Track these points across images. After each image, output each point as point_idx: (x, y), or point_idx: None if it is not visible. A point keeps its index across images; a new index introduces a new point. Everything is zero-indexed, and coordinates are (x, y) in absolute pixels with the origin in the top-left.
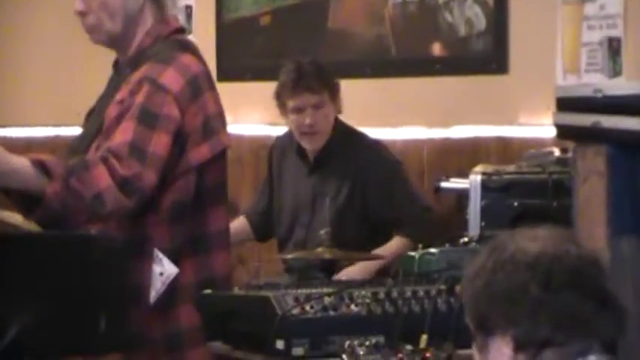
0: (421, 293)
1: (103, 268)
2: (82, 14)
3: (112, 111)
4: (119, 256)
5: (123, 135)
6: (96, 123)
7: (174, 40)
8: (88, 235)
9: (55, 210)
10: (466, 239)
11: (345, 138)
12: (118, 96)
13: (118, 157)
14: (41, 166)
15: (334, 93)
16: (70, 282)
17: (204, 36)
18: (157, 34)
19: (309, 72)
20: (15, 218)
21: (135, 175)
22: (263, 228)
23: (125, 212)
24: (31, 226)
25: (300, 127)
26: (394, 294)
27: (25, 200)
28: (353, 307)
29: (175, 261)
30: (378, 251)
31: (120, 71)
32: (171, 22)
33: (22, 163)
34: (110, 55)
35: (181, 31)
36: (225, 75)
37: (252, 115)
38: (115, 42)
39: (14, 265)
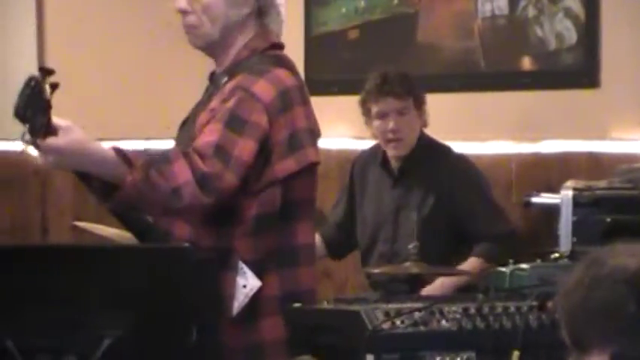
0: (512, 309)
1: (195, 280)
2: (184, 12)
3: (203, 119)
4: (209, 267)
5: (209, 135)
6: (189, 133)
7: (271, 55)
8: (179, 246)
9: (131, 199)
10: (557, 255)
11: (430, 151)
12: (211, 105)
13: (201, 155)
14: (123, 155)
15: (419, 102)
16: (162, 294)
17: (292, 49)
18: (254, 47)
19: (393, 78)
20: (106, 231)
21: (216, 173)
22: (336, 245)
23: (201, 209)
24: (122, 239)
25: (384, 132)
26: (485, 310)
27: (103, 187)
28: (444, 322)
29: (259, 273)
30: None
31: (215, 82)
32: (271, 37)
33: (103, 151)
34: (199, 70)
35: (279, 46)
36: (313, 88)
37: (338, 128)
38: (210, 47)
39: (106, 277)
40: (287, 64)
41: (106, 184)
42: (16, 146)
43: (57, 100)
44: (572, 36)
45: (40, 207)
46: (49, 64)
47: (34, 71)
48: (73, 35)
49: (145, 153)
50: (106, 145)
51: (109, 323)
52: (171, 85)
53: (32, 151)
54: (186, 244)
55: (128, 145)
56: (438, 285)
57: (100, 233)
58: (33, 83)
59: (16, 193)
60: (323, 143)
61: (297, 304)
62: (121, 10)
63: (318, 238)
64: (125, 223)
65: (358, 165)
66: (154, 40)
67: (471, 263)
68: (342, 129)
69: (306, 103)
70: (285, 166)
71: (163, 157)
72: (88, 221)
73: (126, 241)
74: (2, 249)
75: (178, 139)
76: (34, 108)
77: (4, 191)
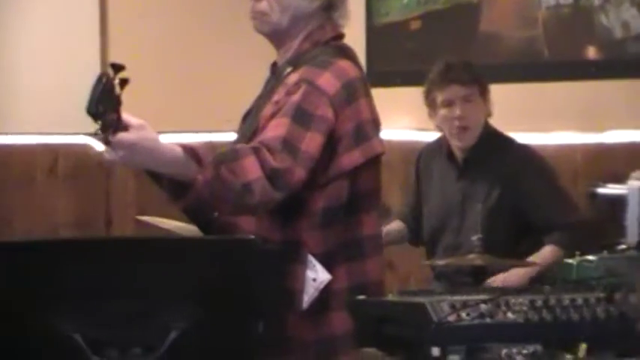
0: (579, 301)
1: (262, 272)
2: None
3: (267, 112)
4: (277, 260)
5: (276, 130)
6: (252, 124)
7: (334, 45)
8: (245, 238)
9: (203, 198)
10: (624, 246)
11: (495, 141)
12: (274, 97)
13: (270, 150)
14: (192, 154)
15: (483, 89)
16: (229, 286)
17: (353, 41)
18: (317, 39)
19: (457, 65)
20: (169, 224)
21: (286, 168)
22: (415, 231)
23: (272, 205)
24: (186, 232)
25: (450, 120)
26: (552, 301)
27: (175, 187)
28: (510, 314)
29: (328, 266)
30: (531, 259)
31: (277, 73)
32: (334, 28)
33: (173, 149)
34: (260, 62)
35: (340, 36)
36: (374, 80)
37: (400, 120)
38: (276, 36)
39: (173, 270)
40: (350, 55)
41: (176, 183)
42: (81, 140)
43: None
44: (638, 24)
45: (104, 200)
46: (112, 58)
47: (97, 67)
48: (135, 29)
49: (214, 150)
50: (169, 139)
51: (176, 316)
52: (232, 78)
53: (101, 147)
54: (252, 237)
55: (190, 139)
56: (512, 276)
57: (163, 226)
58: (104, 80)
59: (80, 186)
60: (385, 135)
61: (361, 296)
62: (182, 3)
63: (399, 222)
64: (191, 217)
65: (423, 157)
66: (215, 32)
67: (546, 252)
68: (404, 120)
69: (368, 95)
70: (351, 158)
71: (232, 154)
72: (152, 214)
73: (190, 233)
74: (69, 242)
75: (241, 132)
76: (105, 104)
77: (69, 185)
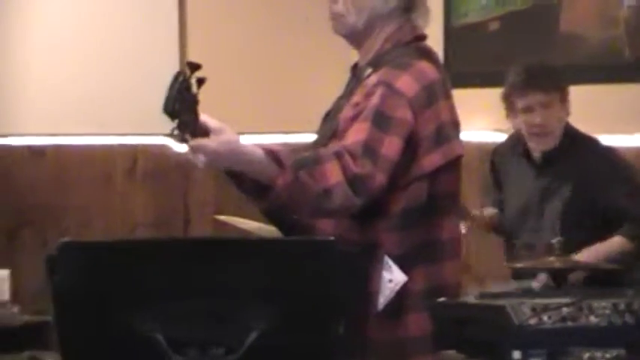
0: None
1: (341, 273)
2: (331, 0)
3: (347, 113)
4: (355, 261)
5: (357, 134)
6: (331, 125)
7: (414, 47)
8: (324, 240)
9: (282, 201)
10: None
11: (576, 141)
12: (354, 99)
13: (352, 155)
14: (273, 156)
15: (564, 95)
16: (309, 287)
17: (432, 42)
18: (397, 39)
19: (539, 72)
20: (247, 224)
21: (367, 174)
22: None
23: (352, 210)
24: (264, 232)
25: (530, 127)
26: (635, 305)
27: (255, 188)
28: (592, 318)
29: (404, 268)
30: (597, 245)
31: (357, 75)
32: (414, 29)
33: (254, 151)
34: (339, 63)
35: (422, 38)
36: (453, 81)
37: (478, 121)
38: (353, 37)
39: (253, 270)
40: (430, 56)
41: (257, 184)
42: (160, 140)
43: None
44: None
45: (182, 200)
46: (191, 58)
47: (176, 67)
48: (214, 29)
49: (296, 152)
50: (249, 140)
51: (256, 316)
52: (312, 79)
53: (179, 147)
54: (331, 238)
55: (269, 140)
56: (592, 252)
57: (241, 226)
58: (181, 78)
59: (159, 186)
60: (463, 136)
61: (442, 299)
62: (261, 3)
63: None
64: (271, 218)
65: (498, 156)
66: (294, 33)
67: (614, 242)
68: (483, 121)
69: (448, 96)
70: (432, 160)
71: (314, 158)
72: (229, 214)
73: (269, 234)
74: (150, 242)
75: (320, 132)
76: (182, 103)
77: (147, 185)
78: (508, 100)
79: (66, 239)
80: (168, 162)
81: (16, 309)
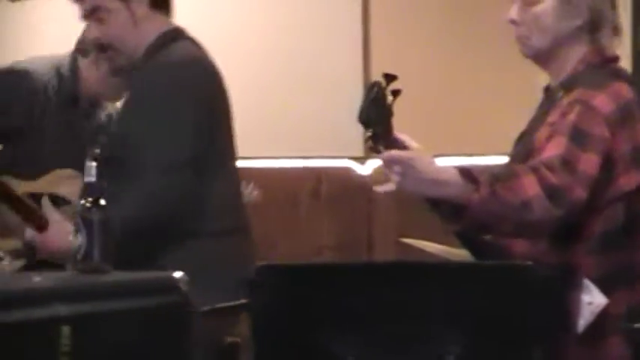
0: None
1: (538, 298)
2: (515, 24)
3: (542, 133)
4: (553, 285)
5: (553, 149)
6: (526, 146)
7: (608, 68)
8: (521, 265)
9: (480, 218)
10: None
11: None
12: (549, 119)
13: (549, 168)
14: (467, 174)
15: None
16: (505, 312)
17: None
18: (589, 61)
19: None
20: (433, 247)
21: (565, 186)
22: None
23: (551, 224)
24: (450, 256)
25: None
26: None
27: (450, 209)
28: None
29: (604, 290)
30: None
31: (550, 96)
32: (605, 51)
33: (448, 170)
34: (528, 85)
35: (614, 59)
36: None
37: None
38: (539, 58)
39: (447, 295)
40: (626, 78)
41: (452, 205)
42: (344, 163)
43: None
44: None
45: (366, 223)
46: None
47: (359, 92)
48: (399, 54)
49: (488, 170)
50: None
51: (450, 340)
52: (500, 101)
53: (363, 170)
54: (529, 263)
55: (457, 162)
56: None
57: (427, 250)
58: (376, 89)
59: (343, 209)
60: None
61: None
62: (447, 21)
63: None
64: (465, 240)
65: None
66: (482, 54)
67: None
68: None
69: None
70: (629, 179)
71: (509, 172)
72: (413, 237)
73: (457, 258)
74: (346, 265)
75: (514, 154)
76: (376, 114)
77: (331, 208)
78: None
79: (263, 263)
80: (352, 185)
81: None
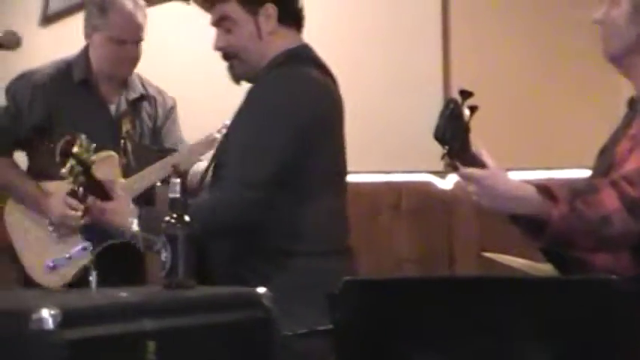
0: None
1: (623, 313)
2: (600, 24)
3: (624, 146)
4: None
5: (635, 162)
6: (607, 159)
7: None
8: (607, 279)
9: (560, 234)
10: None
11: None
12: (631, 131)
13: (629, 182)
14: (545, 190)
15: None
16: (590, 327)
17: None
18: None
19: None
20: (515, 262)
21: None
22: None
23: (633, 238)
24: (533, 270)
25: None
26: None
27: (531, 225)
28: None
29: None
30: None
31: (634, 108)
32: None
33: (526, 188)
34: (612, 97)
35: None
36: None
37: None
38: (616, 63)
39: (530, 310)
40: None
41: (532, 221)
42: (424, 177)
43: None
44: None
45: (446, 237)
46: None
47: (438, 107)
48: (478, 65)
49: (567, 185)
50: (516, 176)
51: (535, 356)
52: (581, 113)
53: (443, 184)
54: (613, 277)
55: (535, 176)
56: None
57: (510, 264)
58: (452, 106)
59: (423, 223)
60: None
61: None
62: (530, 34)
63: None
64: (549, 255)
65: None
66: (564, 66)
67: None
68: None
69: None
70: None
71: (588, 187)
72: (494, 251)
73: (540, 272)
74: (430, 279)
75: (597, 167)
76: (452, 130)
77: (412, 221)
78: None
79: (347, 278)
80: (432, 199)
81: None
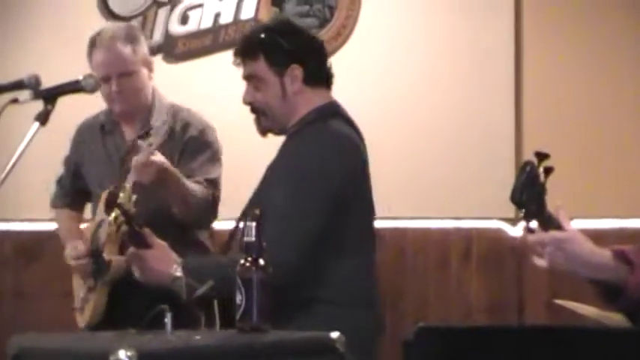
0: None
1: None
2: None
3: None
4: None
5: None
6: None
7: None
8: None
9: (637, 300)
10: None
11: None
12: None
13: None
14: (621, 256)
15: None
16: None
17: None
18: None
19: None
20: (587, 310)
21: None
22: None
23: None
24: (604, 319)
25: None
26: None
27: (607, 290)
28: None
29: None
30: None
31: None
32: None
33: (605, 255)
34: None
35: None
36: None
37: None
38: None
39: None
40: None
41: (608, 286)
42: (495, 225)
43: None
44: None
45: (516, 285)
46: (526, 145)
47: (511, 151)
48: (550, 115)
49: None
50: (579, 225)
51: None
52: None
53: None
54: None
55: (602, 224)
56: None
57: (580, 312)
58: (528, 168)
59: (493, 271)
60: None
61: None
62: (598, 80)
63: None
64: (627, 315)
65: None
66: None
67: None
68: None
69: None
70: None
71: None
72: (564, 299)
73: (612, 322)
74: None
75: None
76: (529, 193)
77: (481, 269)
78: None
79: (422, 324)
80: (502, 246)
81: None
